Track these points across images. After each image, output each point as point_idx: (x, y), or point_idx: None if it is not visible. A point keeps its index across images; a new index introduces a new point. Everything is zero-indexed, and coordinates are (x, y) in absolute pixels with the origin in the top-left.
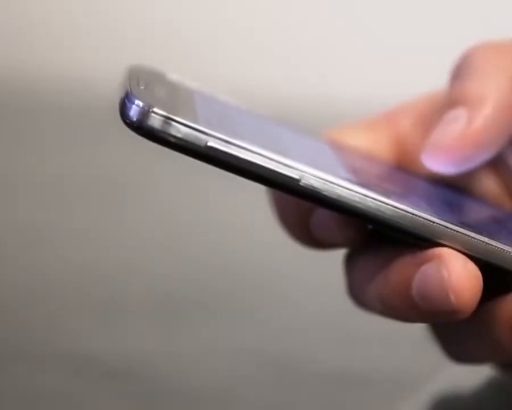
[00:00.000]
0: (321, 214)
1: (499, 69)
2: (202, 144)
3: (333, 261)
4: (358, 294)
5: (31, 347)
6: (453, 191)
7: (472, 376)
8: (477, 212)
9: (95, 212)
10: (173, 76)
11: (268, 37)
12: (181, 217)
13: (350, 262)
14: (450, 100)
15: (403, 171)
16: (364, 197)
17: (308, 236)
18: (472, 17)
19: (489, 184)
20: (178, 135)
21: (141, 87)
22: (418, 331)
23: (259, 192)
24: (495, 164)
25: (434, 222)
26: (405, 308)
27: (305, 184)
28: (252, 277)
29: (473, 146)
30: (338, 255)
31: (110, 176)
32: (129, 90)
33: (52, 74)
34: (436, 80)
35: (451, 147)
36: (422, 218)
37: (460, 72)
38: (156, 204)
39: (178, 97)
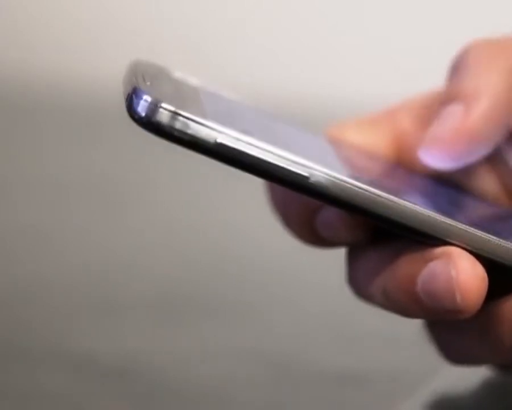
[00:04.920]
0: (327, 213)
1: (493, 64)
2: (212, 141)
3: (333, 261)
4: (359, 285)
5: (30, 346)
6: (453, 189)
7: (472, 376)
8: (481, 210)
9: (95, 212)
10: (177, 72)
11: (268, 37)
12: (181, 217)
13: (353, 253)
14: (447, 96)
15: (405, 169)
16: (373, 195)
17: (313, 235)
18: (471, 17)
19: (488, 182)
20: (188, 131)
21: (148, 83)
22: (418, 331)
23: (259, 191)
24: (493, 161)
25: (442, 220)
26: (408, 303)
27: (315, 181)
28: (252, 277)
29: (468, 140)
30: (338, 255)
31: (110, 176)
32: (136, 85)
33: (52, 74)
34: (435, 80)
35: (447, 141)
36: (431, 217)
37: (456, 69)
38: (155, 203)
39: (184, 92)
